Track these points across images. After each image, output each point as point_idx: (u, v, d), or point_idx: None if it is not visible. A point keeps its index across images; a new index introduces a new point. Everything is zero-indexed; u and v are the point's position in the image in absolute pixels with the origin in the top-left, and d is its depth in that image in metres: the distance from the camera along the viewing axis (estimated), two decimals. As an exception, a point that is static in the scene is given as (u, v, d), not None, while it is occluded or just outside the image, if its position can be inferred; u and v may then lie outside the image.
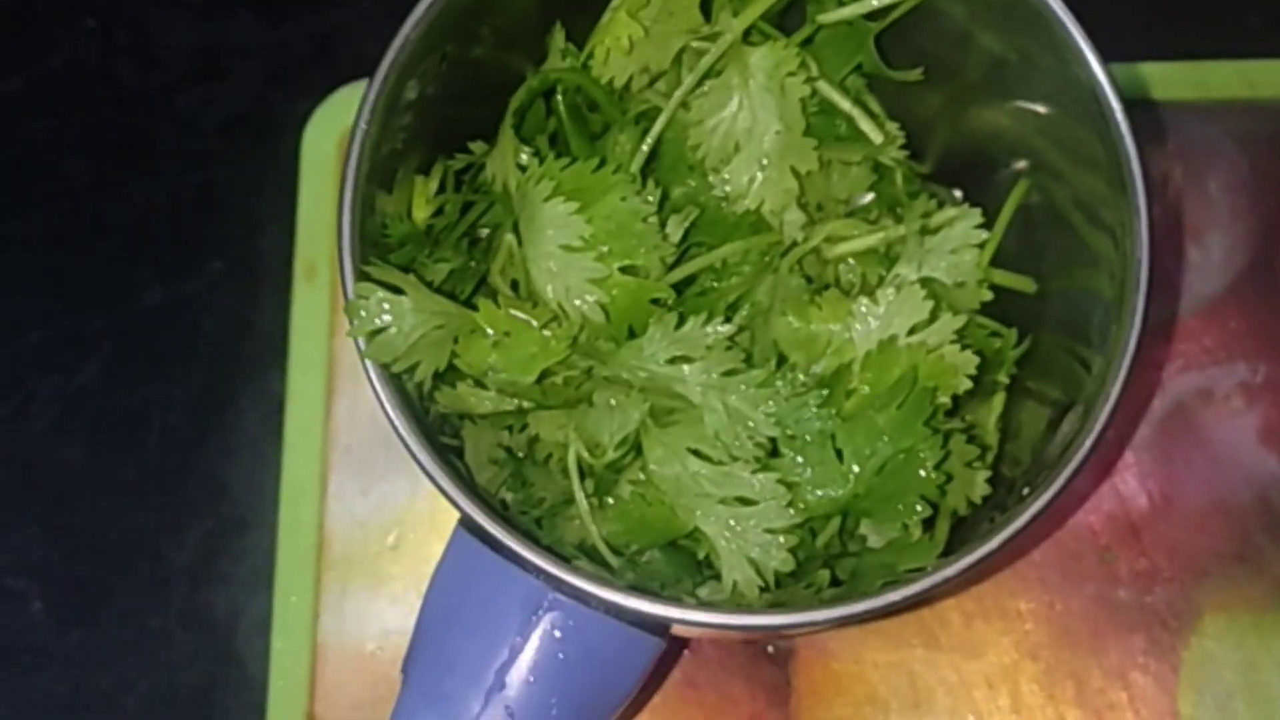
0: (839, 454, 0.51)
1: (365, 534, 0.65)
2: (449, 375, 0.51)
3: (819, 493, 0.51)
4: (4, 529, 0.67)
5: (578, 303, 0.50)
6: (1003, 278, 0.56)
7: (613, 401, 0.51)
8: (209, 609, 0.66)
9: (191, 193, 0.71)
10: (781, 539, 0.50)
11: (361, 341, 0.49)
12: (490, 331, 0.50)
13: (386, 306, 0.49)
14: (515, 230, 0.52)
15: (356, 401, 0.66)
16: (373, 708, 0.63)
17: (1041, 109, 0.55)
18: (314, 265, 0.68)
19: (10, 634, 0.66)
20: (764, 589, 0.50)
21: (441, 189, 0.56)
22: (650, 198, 0.52)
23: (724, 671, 0.63)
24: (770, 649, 0.64)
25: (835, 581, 0.52)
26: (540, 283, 0.51)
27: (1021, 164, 0.57)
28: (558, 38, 0.56)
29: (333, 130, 0.69)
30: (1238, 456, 0.66)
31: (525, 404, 0.51)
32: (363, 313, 0.49)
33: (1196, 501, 0.65)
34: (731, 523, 0.50)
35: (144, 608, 0.66)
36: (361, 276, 0.49)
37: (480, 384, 0.51)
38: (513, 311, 0.51)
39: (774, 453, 0.51)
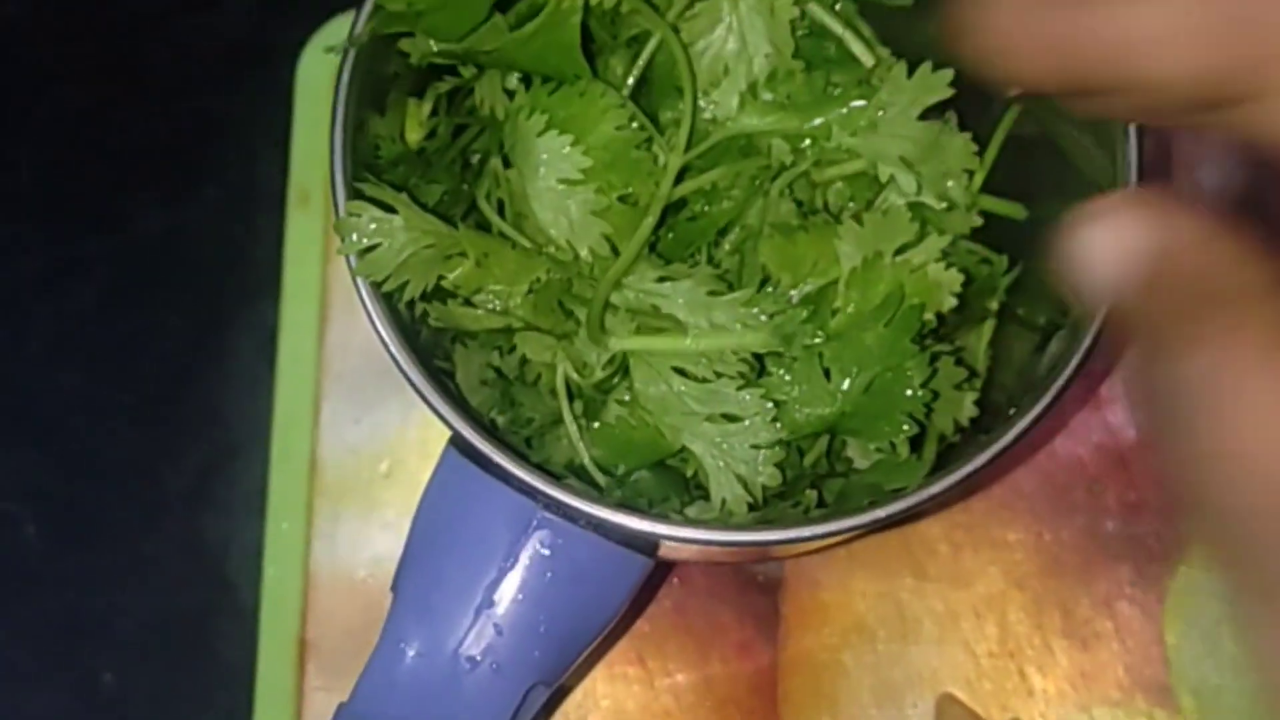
0: (826, 372, 0.51)
1: (357, 461, 0.66)
2: (439, 293, 0.51)
3: (806, 411, 0.51)
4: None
5: (585, 243, 0.51)
6: (993, 204, 0.56)
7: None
8: (202, 534, 0.66)
9: (187, 119, 0.71)
10: (768, 454, 0.50)
11: (352, 259, 0.49)
12: (470, 254, 0.50)
13: (376, 225, 0.49)
14: (502, 154, 0.52)
15: (350, 329, 0.66)
16: (364, 633, 0.62)
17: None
18: (308, 192, 0.68)
19: (4, 558, 0.67)
20: (752, 507, 0.50)
21: (434, 112, 0.56)
22: (643, 124, 0.52)
23: (713, 600, 0.64)
24: (760, 577, 0.64)
25: (822, 503, 0.53)
26: (543, 220, 0.51)
27: (1016, 90, 0.57)
28: None
29: (327, 58, 0.69)
30: (1228, 388, 0.66)
31: (514, 323, 0.51)
32: (354, 232, 0.49)
33: (1186, 433, 0.65)
34: (718, 440, 0.50)
35: (138, 533, 0.67)
36: (354, 194, 0.49)
37: (469, 302, 0.51)
38: (503, 231, 0.51)
39: (760, 372, 0.52)
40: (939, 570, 0.64)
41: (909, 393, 0.51)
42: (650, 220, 0.51)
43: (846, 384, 0.51)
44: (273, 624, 0.64)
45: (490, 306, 0.51)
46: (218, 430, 0.67)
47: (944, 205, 0.54)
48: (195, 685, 0.65)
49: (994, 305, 0.57)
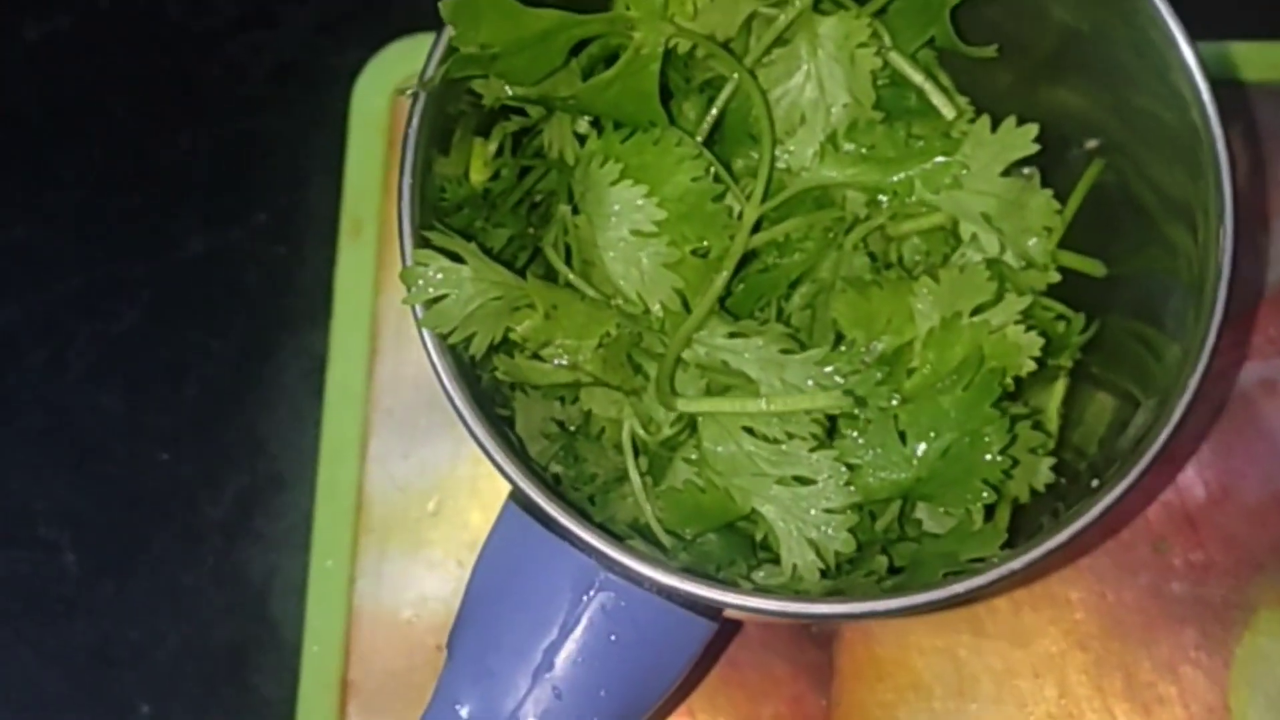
0: (902, 436, 0.49)
1: (405, 498, 0.64)
2: (505, 345, 0.50)
3: (881, 475, 0.49)
4: (38, 477, 0.67)
5: (656, 296, 0.50)
6: (1071, 260, 0.54)
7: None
8: (243, 566, 0.65)
9: (238, 141, 0.70)
10: (841, 518, 0.49)
11: (418, 309, 0.48)
12: (539, 306, 0.49)
13: (443, 275, 0.48)
14: (570, 200, 0.51)
15: (400, 362, 0.65)
16: (408, 675, 0.62)
17: (1118, 87, 0.53)
18: (360, 222, 0.67)
19: (42, 583, 0.65)
20: (824, 573, 0.49)
21: (500, 152, 0.54)
22: (719, 175, 0.51)
23: (766, 652, 0.62)
24: (814, 630, 0.63)
25: (893, 568, 0.51)
26: (613, 271, 0.50)
27: (1094, 143, 0.56)
28: (621, 1, 0.54)
29: (384, 85, 0.68)
30: (1300, 449, 0.65)
31: (583, 377, 0.50)
32: (420, 280, 0.48)
33: (1255, 494, 0.64)
34: (789, 503, 0.49)
35: (177, 562, 0.65)
36: (421, 242, 0.48)
37: (537, 355, 0.50)
38: (570, 281, 0.50)
39: (831, 433, 0.50)
40: (998, 628, 0.62)
41: (987, 458, 0.49)
42: (724, 275, 0.49)
43: (922, 448, 0.49)
44: (314, 662, 0.63)
45: (558, 361, 0.49)
46: (261, 461, 0.66)
47: (1023, 264, 0.52)
48: (232, 720, 0.64)
49: (1067, 363, 0.55)
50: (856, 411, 0.49)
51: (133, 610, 0.65)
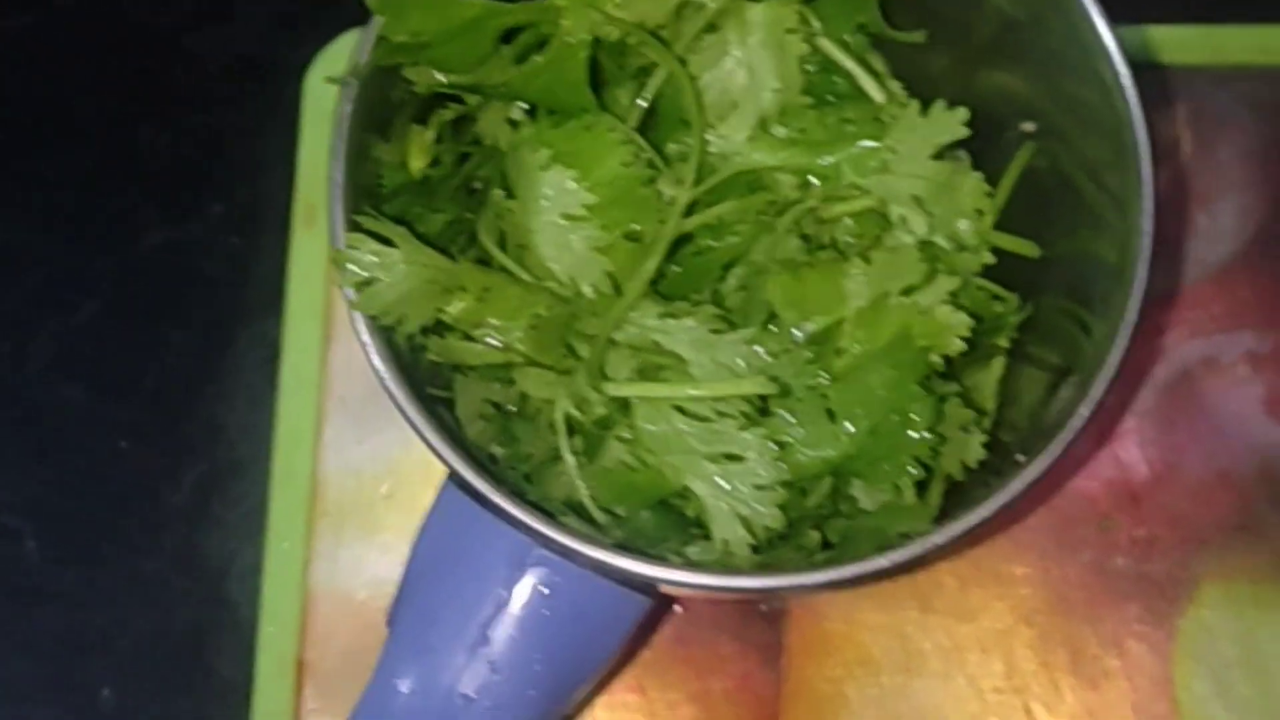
0: (830, 414, 0.50)
1: (359, 483, 0.65)
2: (439, 327, 0.51)
3: (810, 453, 0.50)
4: (1, 467, 0.67)
5: (587, 279, 0.50)
6: (1005, 241, 0.55)
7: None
8: (203, 552, 0.66)
9: (196, 134, 0.71)
10: (770, 494, 0.50)
11: (350, 292, 0.48)
12: (470, 289, 0.50)
13: (376, 259, 0.48)
14: (504, 186, 0.51)
15: (353, 350, 0.64)
16: (363, 655, 0.62)
17: (1049, 72, 0.54)
18: (313, 211, 0.67)
19: (4, 572, 0.66)
20: (755, 548, 0.50)
21: (439, 139, 0.55)
22: (650, 160, 0.52)
23: (715, 630, 0.63)
24: (763, 608, 0.63)
25: (826, 544, 0.52)
26: (545, 255, 0.50)
27: (1029, 127, 0.56)
28: None
29: (336, 74, 0.68)
30: (1242, 426, 0.65)
31: (515, 359, 0.51)
32: (351, 264, 0.48)
33: (1198, 470, 0.65)
34: (720, 480, 0.49)
35: (138, 548, 0.66)
36: (352, 226, 0.49)
37: (469, 336, 0.51)
38: (503, 264, 0.51)
39: (764, 411, 0.51)
40: (945, 604, 0.63)
41: (914, 436, 0.50)
42: (656, 259, 0.50)
43: (851, 426, 0.50)
44: (271, 644, 0.64)
45: (491, 341, 0.50)
46: (220, 448, 0.67)
47: (954, 246, 0.53)
48: (193, 703, 0.65)
49: (1004, 343, 0.56)
50: (785, 391, 0.50)
51: (95, 597, 0.66)
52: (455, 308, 0.49)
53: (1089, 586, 0.64)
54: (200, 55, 0.72)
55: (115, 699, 0.65)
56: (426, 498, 0.52)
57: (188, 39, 0.72)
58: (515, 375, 0.52)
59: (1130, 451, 0.65)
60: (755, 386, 0.49)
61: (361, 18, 0.66)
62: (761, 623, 0.63)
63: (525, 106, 0.53)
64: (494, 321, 0.50)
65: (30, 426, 0.68)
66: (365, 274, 0.48)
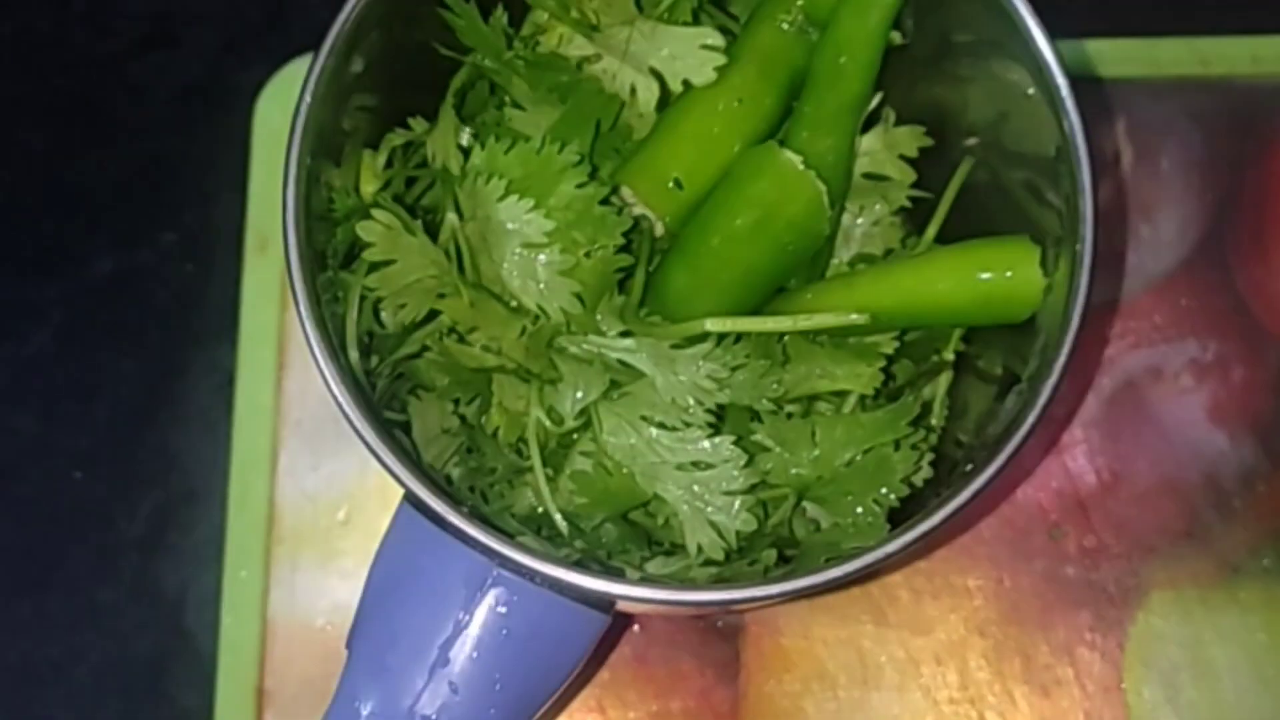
0: (813, 438, 0.52)
1: (316, 509, 0.65)
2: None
3: (786, 471, 0.52)
4: (-47, 498, 0.67)
5: (555, 303, 0.51)
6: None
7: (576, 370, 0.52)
8: (159, 581, 0.66)
9: (144, 162, 0.71)
10: (740, 500, 0.51)
11: (308, 327, 0.49)
12: (464, 294, 0.51)
13: (396, 241, 0.49)
14: (457, 209, 0.52)
15: (308, 376, 0.66)
16: (323, 682, 0.61)
17: (990, 87, 0.55)
18: (265, 238, 0.68)
19: (-41, 603, 0.66)
20: (727, 555, 0.50)
21: (389, 164, 0.55)
22: (603, 179, 0.52)
23: (673, 647, 0.63)
24: (720, 624, 0.64)
25: (782, 560, 0.53)
26: (512, 285, 0.51)
27: (971, 141, 0.57)
28: (499, 19, 0.56)
29: (285, 101, 0.69)
30: (1187, 434, 0.66)
31: (506, 363, 0.51)
32: (377, 240, 0.49)
33: (1145, 479, 0.65)
34: (693, 487, 0.50)
35: (94, 578, 0.66)
36: (375, 204, 0.50)
37: (463, 339, 0.51)
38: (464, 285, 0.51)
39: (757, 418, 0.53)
40: (900, 617, 0.64)
41: (884, 490, 0.52)
42: (637, 292, 0.52)
43: (831, 454, 0.52)
44: (230, 672, 0.64)
45: (485, 345, 0.51)
46: (174, 476, 0.67)
47: None
48: (152, 732, 0.65)
49: (950, 356, 0.57)
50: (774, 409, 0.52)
51: (50, 628, 0.66)
52: (451, 307, 0.50)
53: (1041, 596, 0.64)
54: (146, 83, 0.72)
55: (72, 730, 0.65)
56: (383, 523, 0.53)
57: (133, 66, 0.72)
58: (494, 385, 0.52)
59: (1078, 461, 0.65)
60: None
61: (310, 43, 0.67)
62: (719, 640, 0.64)
63: (473, 132, 0.53)
64: (486, 330, 0.51)
65: (-18, 457, 0.68)
66: (384, 256, 0.49)
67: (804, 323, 0.52)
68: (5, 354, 0.68)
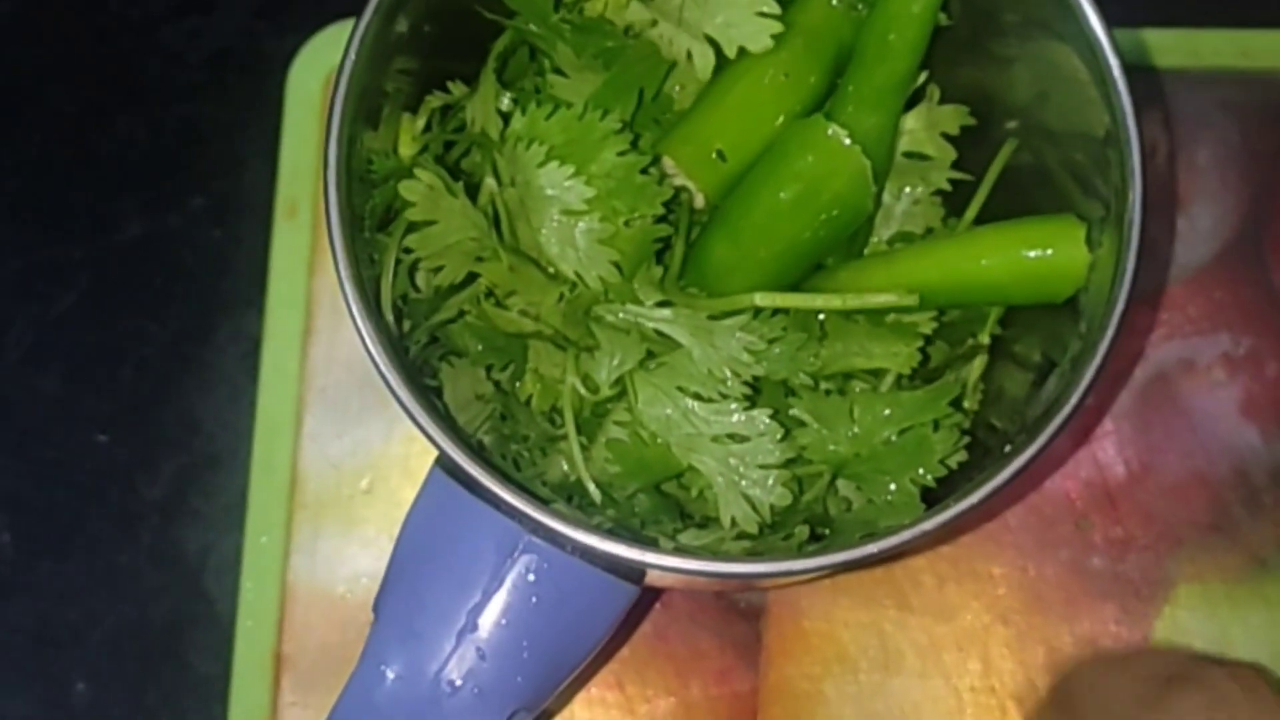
0: (851, 414, 0.52)
1: (339, 476, 0.65)
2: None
3: (823, 446, 0.51)
4: (-26, 459, 0.67)
5: (593, 271, 0.51)
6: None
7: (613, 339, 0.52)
8: (179, 545, 0.66)
9: (175, 126, 0.71)
10: (777, 474, 0.50)
11: (350, 292, 0.48)
12: (504, 258, 0.50)
13: (439, 202, 0.49)
14: (495, 174, 0.52)
15: (334, 343, 0.66)
16: (342, 649, 0.63)
17: (1036, 68, 0.55)
18: (295, 203, 0.67)
19: (-22, 564, 0.66)
20: (760, 528, 0.50)
21: (428, 127, 0.55)
22: (644, 148, 0.52)
23: (694, 625, 0.63)
24: (742, 604, 0.63)
25: (815, 537, 0.52)
26: (550, 251, 0.51)
27: (1013, 123, 0.57)
28: None
29: (319, 68, 0.69)
30: (1217, 427, 0.66)
31: (544, 329, 0.51)
32: (420, 199, 0.49)
33: (1174, 471, 0.65)
34: (729, 460, 0.50)
35: (114, 542, 0.66)
36: (416, 164, 0.50)
37: (501, 304, 0.51)
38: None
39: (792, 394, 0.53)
40: (923, 602, 0.63)
41: (921, 471, 0.52)
42: (677, 264, 0.52)
43: (870, 434, 0.51)
44: (249, 638, 0.63)
45: (523, 310, 0.50)
46: (198, 441, 0.67)
47: None
48: (169, 697, 0.65)
49: (985, 340, 0.56)
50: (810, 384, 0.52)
51: (70, 591, 0.65)
52: (490, 271, 0.50)
53: (1066, 586, 0.64)
54: (179, 48, 0.72)
55: (90, 693, 0.64)
56: (406, 492, 0.53)
57: (167, 31, 0.72)
58: (530, 353, 0.52)
59: (1107, 452, 0.65)
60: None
61: (343, 9, 0.67)
62: (740, 619, 0.63)
63: (513, 97, 0.53)
64: (526, 295, 0.51)
65: (5, 419, 0.67)
66: (427, 215, 0.49)
67: (853, 302, 0.52)
68: (31, 316, 0.68)
